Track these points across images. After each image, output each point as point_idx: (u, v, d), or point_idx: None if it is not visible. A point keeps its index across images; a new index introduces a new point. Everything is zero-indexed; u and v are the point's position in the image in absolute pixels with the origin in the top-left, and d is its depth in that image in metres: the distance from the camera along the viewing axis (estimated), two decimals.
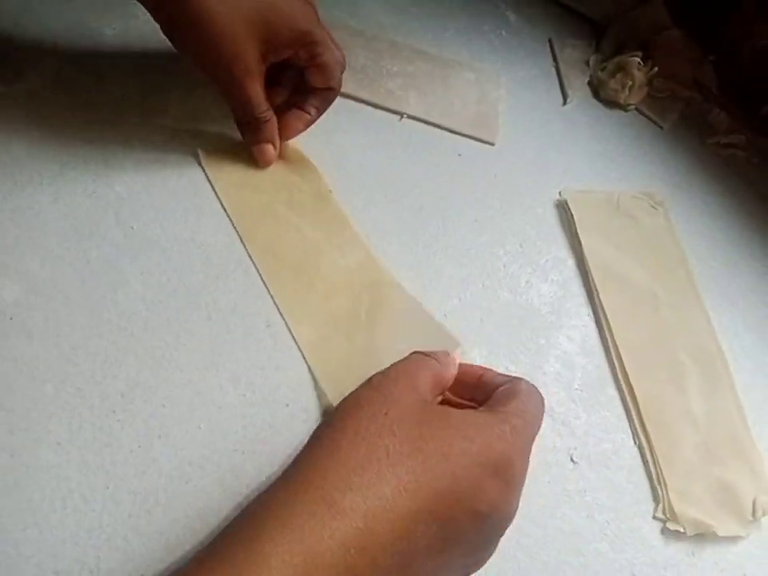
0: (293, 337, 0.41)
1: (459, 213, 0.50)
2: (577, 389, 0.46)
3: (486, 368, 0.38)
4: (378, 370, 0.33)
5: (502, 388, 0.34)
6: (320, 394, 0.40)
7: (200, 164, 0.46)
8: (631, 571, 0.40)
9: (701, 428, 0.45)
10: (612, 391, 0.46)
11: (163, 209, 0.44)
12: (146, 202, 0.44)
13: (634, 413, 0.45)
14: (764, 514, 0.43)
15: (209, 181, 0.46)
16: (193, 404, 0.38)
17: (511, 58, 0.61)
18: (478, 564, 0.32)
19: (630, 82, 0.60)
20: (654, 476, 0.43)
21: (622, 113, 0.61)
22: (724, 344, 0.50)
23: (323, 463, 0.28)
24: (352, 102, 0.53)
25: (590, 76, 0.62)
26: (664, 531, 0.42)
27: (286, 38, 0.42)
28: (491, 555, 0.32)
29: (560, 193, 0.53)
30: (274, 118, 0.45)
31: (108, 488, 0.35)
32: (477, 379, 0.36)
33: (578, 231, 0.51)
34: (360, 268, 0.45)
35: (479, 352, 0.45)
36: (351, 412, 0.30)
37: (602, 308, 0.49)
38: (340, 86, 0.47)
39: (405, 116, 0.53)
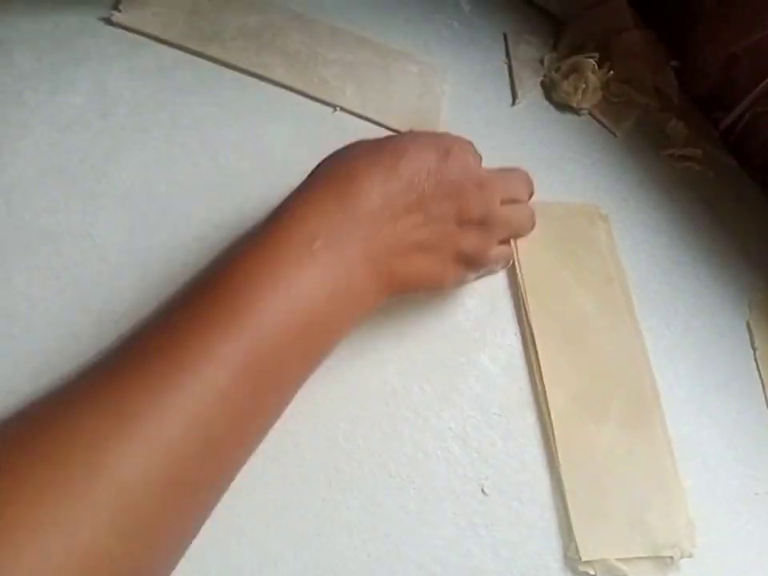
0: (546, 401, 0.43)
1: None
2: (495, 413, 0.43)
3: None
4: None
5: None
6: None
7: None
8: None
9: (620, 463, 0.43)
10: (533, 418, 0.44)
11: None
12: None
13: (552, 445, 0.43)
14: (681, 557, 0.41)
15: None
16: None
17: (461, 51, 0.57)
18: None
19: (584, 85, 0.56)
20: (565, 513, 0.41)
21: (575, 117, 0.58)
22: (657, 371, 0.47)
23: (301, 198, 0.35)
24: (281, 90, 0.49)
25: (544, 76, 0.58)
26: (575, 572, 0.40)
27: None
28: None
29: None
30: None
31: None
32: None
33: (512, 242, 0.48)
34: (627, 360, 0.47)
35: (392, 368, 0.42)
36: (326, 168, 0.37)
37: (530, 328, 0.46)
38: None
39: (338, 108, 0.50)
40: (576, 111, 0.58)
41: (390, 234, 0.35)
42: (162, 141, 0.44)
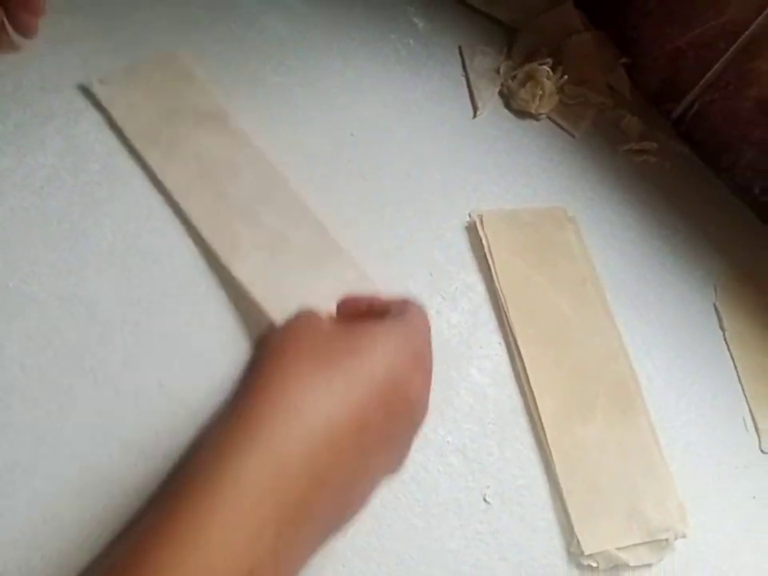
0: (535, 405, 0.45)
1: (366, 243, 0.48)
2: (489, 423, 0.45)
3: (374, 296, 0.39)
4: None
5: (394, 306, 0.36)
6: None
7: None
8: None
9: (611, 457, 0.45)
10: (524, 423, 0.46)
11: None
12: None
13: (545, 447, 0.45)
14: (676, 538, 0.44)
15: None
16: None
17: (419, 68, 0.58)
18: (399, 465, 0.34)
19: (540, 91, 0.58)
20: (564, 511, 0.43)
21: (534, 122, 0.60)
22: (636, 363, 0.50)
23: (278, 372, 0.29)
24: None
25: (501, 85, 0.60)
26: (579, 566, 0.42)
27: None
28: (406, 458, 0.34)
29: (469, 214, 0.52)
30: None
31: None
32: (368, 308, 0.38)
33: (488, 254, 0.50)
34: (607, 356, 0.49)
35: None
36: (288, 336, 0.32)
37: (513, 335, 0.48)
38: None
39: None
40: (535, 117, 0.60)
41: (328, 465, 0.28)
42: (139, 191, 0.44)
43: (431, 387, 0.34)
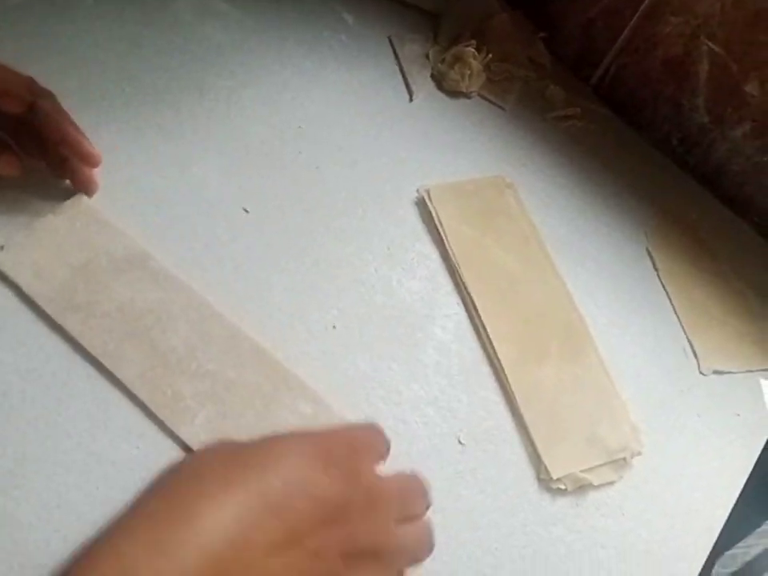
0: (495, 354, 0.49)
1: (325, 226, 0.52)
2: (456, 374, 0.49)
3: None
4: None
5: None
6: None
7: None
8: (523, 531, 0.45)
9: (568, 391, 0.50)
10: (487, 370, 0.50)
11: None
12: None
13: (508, 390, 0.49)
14: (632, 457, 0.49)
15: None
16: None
17: (354, 62, 0.62)
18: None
19: (469, 71, 0.63)
20: (531, 444, 0.48)
21: (466, 100, 0.65)
22: (582, 307, 0.55)
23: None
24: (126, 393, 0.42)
25: (432, 69, 0.64)
26: (549, 490, 0.47)
27: None
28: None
29: (417, 190, 0.56)
30: None
31: (14, 567, 0.35)
32: None
33: (438, 225, 0.55)
34: (555, 303, 0.54)
35: (363, 357, 0.48)
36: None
37: (468, 294, 0.52)
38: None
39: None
40: (466, 95, 0.64)
41: None
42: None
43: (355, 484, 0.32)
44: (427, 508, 0.36)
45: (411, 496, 0.36)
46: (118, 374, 0.42)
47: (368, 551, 0.31)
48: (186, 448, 0.41)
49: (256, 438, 0.33)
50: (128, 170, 0.49)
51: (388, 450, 0.37)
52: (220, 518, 0.27)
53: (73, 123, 0.43)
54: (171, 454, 0.41)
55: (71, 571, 0.26)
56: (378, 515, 0.31)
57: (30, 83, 0.41)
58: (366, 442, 0.36)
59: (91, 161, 0.44)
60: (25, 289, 0.43)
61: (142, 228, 0.47)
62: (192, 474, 0.30)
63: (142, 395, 0.42)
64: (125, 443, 0.40)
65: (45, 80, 0.48)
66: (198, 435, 0.41)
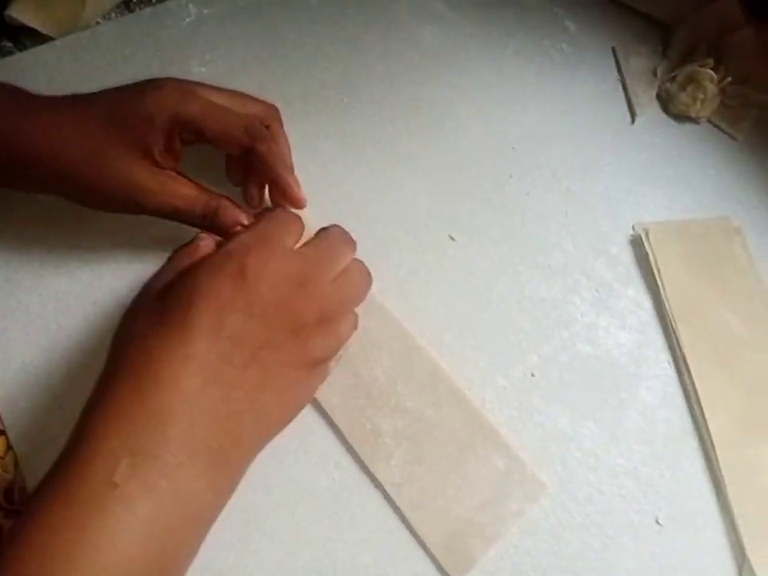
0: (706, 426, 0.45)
1: (532, 260, 0.49)
2: (660, 445, 0.45)
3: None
4: None
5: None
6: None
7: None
8: None
9: None
10: (695, 444, 0.45)
11: None
12: None
13: (716, 468, 0.44)
14: None
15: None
16: None
17: (574, 74, 0.58)
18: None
19: (702, 95, 0.56)
20: (737, 535, 0.43)
21: (694, 126, 0.58)
22: None
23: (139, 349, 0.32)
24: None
25: (659, 88, 0.58)
26: None
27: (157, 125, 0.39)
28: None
29: (633, 227, 0.51)
30: (223, 200, 0.40)
31: None
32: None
33: (654, 269, 0.50)
34: None
35: (561, 411, 0.45)
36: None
37: (682, 353, 0.47)
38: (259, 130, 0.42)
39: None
40: (694, 120, 0.58)
41: (217, 402, 0.31)
42: None
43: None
44: (353, 251, 0.40)
45: (336, 249, 0.38)
46: (320, 398, 0.42)
47: (313, 321, 0.35)
48: (380, 486, 0.40)
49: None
50: (340, 186, 0.48)
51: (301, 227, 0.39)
52: (169, 356, 0.31)
53: (286, 166, 0.42)
54: (364, 489, 0.40)
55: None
56: (312, 289, 0.35)
57: (249, 125, 0.40)
58: (275, 229, 0.37)
59: (298, 205, 0.43)
60: None
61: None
62: (131, 332, 0.33)
63: (342, 425, 0.42)
64: (322, 471, 0.40)
65: (269, 86, 0.48)
66: (394, 476, 0.41)
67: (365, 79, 0.52)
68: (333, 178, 0.48)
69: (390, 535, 0.40)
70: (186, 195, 0.39)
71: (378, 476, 0.41)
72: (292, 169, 0.43)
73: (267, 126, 0.42)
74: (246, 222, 0.40)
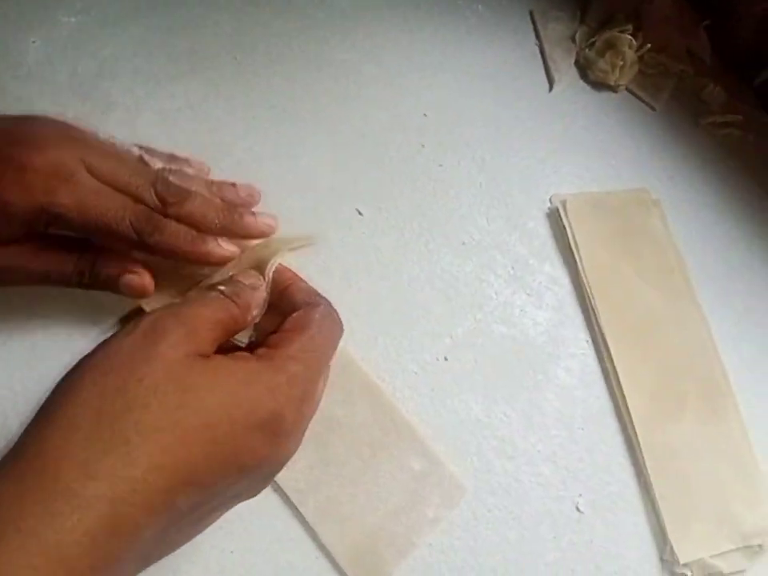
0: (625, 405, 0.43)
1: (445, 236, 0.45)
2: (578, 427, 0.43)
3: (295, 277, 0.35)
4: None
5: (294, 315, 0.32)
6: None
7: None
8: None
9: (703, 459, 0.43)
10: (614, 425, 0.44)
11: None
12: None
13: (637, 449, 0.43)
14: None
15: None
16: None
17: (489, 39, 0.54)
18: (249, 496, 0.30)
19: (621, 62, 0.54)
20: (657, 518, 0.42)
21: (612, 94, 0.56)
22: (724, 356, 0.47)
23: (57, 448, 0.24)
24: None
25: (577, 54, 0.56)
26: (672, 574, 0.41)
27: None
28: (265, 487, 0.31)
29: (550, 200, 0.49)
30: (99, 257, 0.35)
31: None
32: (283, 289, 0.34)
33: (572, 244, 0.47)
34: (696, 351, 0.46)
35: (476, 397, 0.42)
36: (97, 379, 0.25)
37: (601, 332, 0.45)
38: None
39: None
40: (613, 88, 0.56)
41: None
42: None
43: (290, 442, 0.29)
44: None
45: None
46: None
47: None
48: (281, 491, 0.36)
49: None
50: (233, 154, 0.43)
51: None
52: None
53: (194, 241, 0.35)
54: (264, 496, 0.36)
55: None
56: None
57: (135, 217, 0.33)
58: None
59: (225, 258, 0.36)
60: None
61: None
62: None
63: None
64: None
65: (150, 41, 0.42)
66: (298, 482, 0.37)
67: (260, 36, 0.47)
68: (222, 145, 0.43)
69: (292, 545, 0.36)
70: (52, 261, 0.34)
71: (280, 482, 0.36)
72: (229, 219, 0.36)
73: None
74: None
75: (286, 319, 0.31)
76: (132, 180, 0.34)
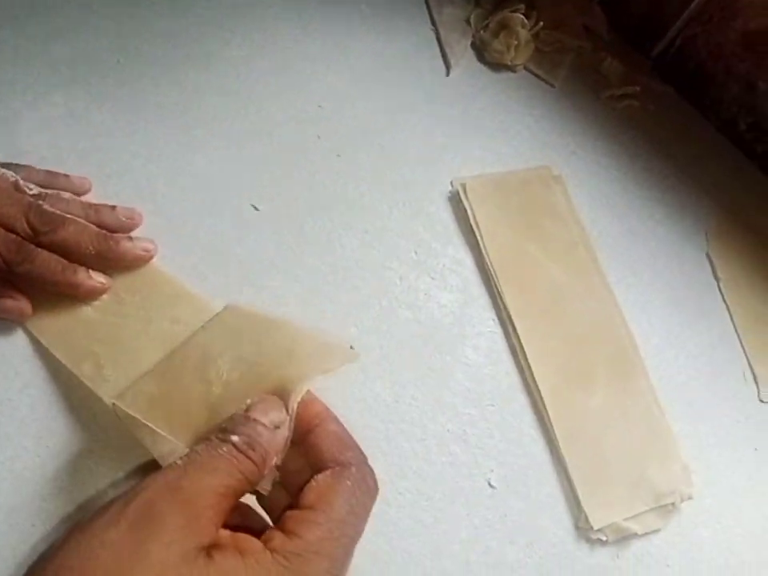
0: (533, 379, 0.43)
1: (345, 226, 0.46)
2: (488, 404, 0.43)
3: (324, 412, 0.31)
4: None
5: (319, 482, 0.27)
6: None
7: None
8: None
9: (614, 426, 0.44)
10: (524, 400, 0.44)
11: None
12: None
13: (547, 422, 0.44)
14: (682, 501, 0.43)
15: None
16: None
17: (384, 27, 0.54)
18: None
19: (516, 41, 0.55)
20: (570, 487, 0.42)
21: (510, 74, 0.57)
22: (632, 323, 0.48)
23: None
24: None
25: (473, 37, 0.56)
26: (588, 541, 0.41)
27: None
28: None
29: (451, 183, 0.49)
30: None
31: None
32: (309, 430, 0.30)
33: (473, 225, 0.48)
34: (603, 321, 0.47)
35: (382, 383, 0.42)
36: None
37: (506, 309, 0.46)
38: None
39: None
40: (511, 68, 0.56)
41: None
42: None
43: None
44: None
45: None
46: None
47: None
48: None
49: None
50: (121, 159, 0.42)
51: None
52: None
53: (65, 271, 0.35)
54: None
55: None
56: None
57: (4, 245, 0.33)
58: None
59: (98, 291, 0.36)
60: None
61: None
62: None
63: None
64: None
65: (28, 50, 0.41)
66: None
67: (144, 38, 0.46)
68: (109, 151, 0.42)
69: None
70: None
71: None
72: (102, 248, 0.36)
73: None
74: None
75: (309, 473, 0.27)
76: (3, 210, 0.34)
